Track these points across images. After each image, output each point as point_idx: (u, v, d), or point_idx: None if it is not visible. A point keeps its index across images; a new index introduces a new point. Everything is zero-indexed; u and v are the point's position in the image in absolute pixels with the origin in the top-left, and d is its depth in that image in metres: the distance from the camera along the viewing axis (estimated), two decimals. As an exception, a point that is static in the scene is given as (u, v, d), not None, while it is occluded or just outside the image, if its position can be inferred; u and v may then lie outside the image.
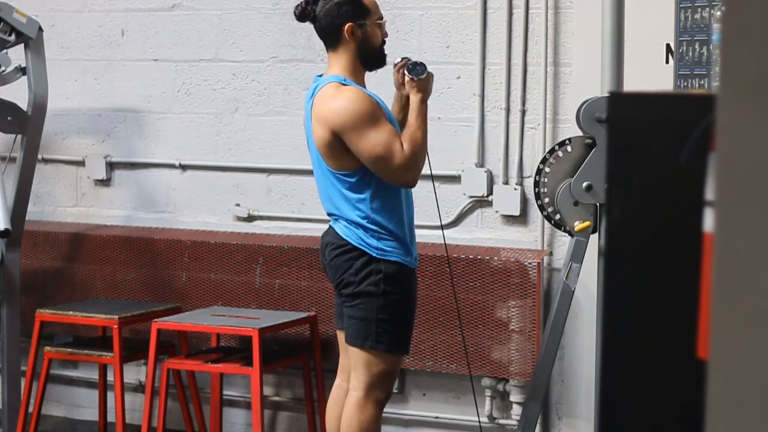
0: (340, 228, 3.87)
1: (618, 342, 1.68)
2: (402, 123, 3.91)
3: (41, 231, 5.54)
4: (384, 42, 3.94)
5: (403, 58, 3.97)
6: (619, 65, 3.97)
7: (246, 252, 5.14)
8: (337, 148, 3.78)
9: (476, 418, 4.67)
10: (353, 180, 3.81)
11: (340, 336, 4.05)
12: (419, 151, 3.80)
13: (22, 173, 5.09)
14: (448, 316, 4.77)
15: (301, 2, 3.92)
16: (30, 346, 5.09)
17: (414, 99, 3.87)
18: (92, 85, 5.65)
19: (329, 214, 3.95)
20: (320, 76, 3.96)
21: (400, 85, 3.97)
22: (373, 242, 3.82)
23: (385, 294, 3.82)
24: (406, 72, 3.89)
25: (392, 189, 3.86)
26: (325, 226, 4.01)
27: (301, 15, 3.92)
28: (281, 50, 5.28)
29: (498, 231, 4.98)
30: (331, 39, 3.90)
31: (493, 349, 4.79)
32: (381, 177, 3.78)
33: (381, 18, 3.94)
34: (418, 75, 3.88)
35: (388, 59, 3.99)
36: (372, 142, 3.73)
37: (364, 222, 3.82)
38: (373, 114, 3.75)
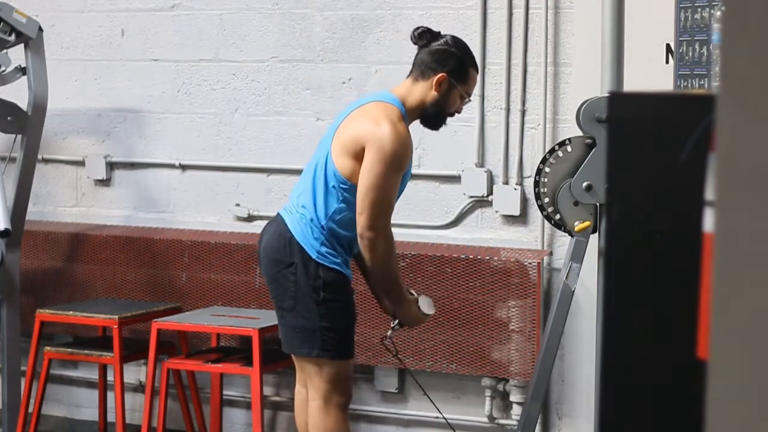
0: (292, 219, 3.85)
1: (618, 342, 1.68)
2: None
3: (41, 231, 5.54)
4: (453, 114, 3.95)
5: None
6: (619, 65, 3.97)
7: (246, 252, 5.14)
8: (355, 154, 3.77)
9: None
10: (344, 186, 3.80)
11: (286, 346, 4.01)
12: (387, 251, 3.79)
13: (22, 173, 5.09)
14: (448, 316, 4.78)
15: (425, 27, 3.93)
16: (30, 346, 5.09)
17: (407, 302, 3.95)
18: (92, 85, 5.65)
19: (294, 206, 3.89)
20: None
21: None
22: (316, 245, 3.81)
23: (325, 301, 3.81)
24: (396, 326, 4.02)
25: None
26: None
27: (419, 36, 3.92)
28: (281, 50, 5.28)
29: (498, 231, 4.98)
30: (421, 72, 3.88)
31: (493, 349, 4.79)
32: (359, 205, 3.74)
33: (469, 96, 3.95)
34: (425, 311, 3.99)
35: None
36: (384, 181, 3.72)
37: (318, 223, 3.81)
38: (402, 165, 3.76)
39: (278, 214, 3.94)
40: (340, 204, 3.81)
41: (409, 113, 3.87)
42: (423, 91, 3.87)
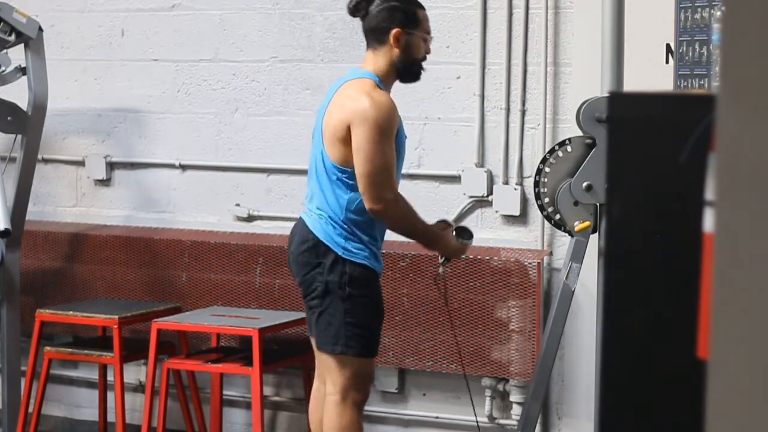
0: (312, 220, 3.87)
1: (618, 342, 1.68)
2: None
3: (41, 231, 5.54)
4: (425, 58, 3.94)
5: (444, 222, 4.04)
6: (619, 65, 3.97)
7: (246, 252, 5.14)
8: (344, 139, 3.78)
9: (477, 418, 4.67)
10: (345, 174, 3.81)
11: (314, 341, 4.04)
12: (400, 215, 3.80)
13: (22, 173, 5.09)
14: (448, 316, 4.77)
15: None
16: (30, 346, 5.09)
17: (440, 239, 3.92)
18: (92, 85, 5.65)
19: (310, 210, 3.91)
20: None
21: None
22: (341, 241, 3.82)
23: (351, 297, 3.82)
24: (455, 233, 3.95)
25: None
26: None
27: (354, 8, 3.93)
28: (281, 50, 5.28)
29: (498, 231, 4.98)
30: (375, 39, 3.90)
31: (493, 349, 4.79)
32: (360, 182, 3.74)
33: (429, 33, 3.95)
34: (465, 239, 3.96)
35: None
36: (377, 151, 3.72)
37: (337, 218, 3.82)
38: (390, 130, 3.76)
39: (300, 218, 3.96)
40: (350, 194, 3.82)
41: (384, 80, 3.88)
42: (386, 54, 3.88)
